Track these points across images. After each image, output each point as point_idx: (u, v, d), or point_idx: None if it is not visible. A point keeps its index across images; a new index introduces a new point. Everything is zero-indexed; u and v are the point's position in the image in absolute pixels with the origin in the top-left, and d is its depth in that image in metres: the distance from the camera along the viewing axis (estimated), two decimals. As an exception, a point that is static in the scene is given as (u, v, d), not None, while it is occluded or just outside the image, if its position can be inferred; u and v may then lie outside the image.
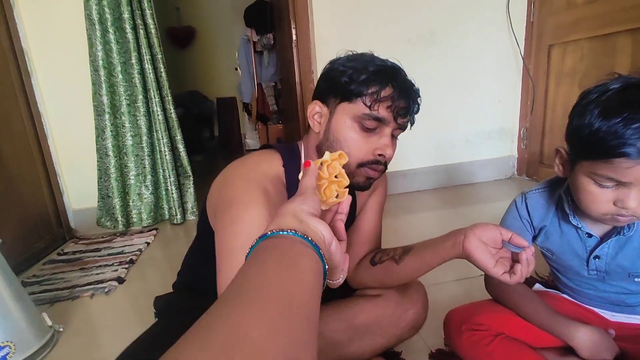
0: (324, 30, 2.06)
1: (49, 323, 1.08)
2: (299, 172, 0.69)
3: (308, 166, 0.44)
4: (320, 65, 2.10)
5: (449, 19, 2.13)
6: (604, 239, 0.70)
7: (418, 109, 0.68)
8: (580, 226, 0.70)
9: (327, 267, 0.36)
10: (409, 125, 0.70)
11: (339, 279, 0.43)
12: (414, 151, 2.27)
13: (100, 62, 1.79)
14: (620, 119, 0.54)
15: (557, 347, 0.77)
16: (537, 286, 0.90)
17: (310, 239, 0.35)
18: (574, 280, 0.79)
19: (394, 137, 0.67)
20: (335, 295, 0.84)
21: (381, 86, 0.62)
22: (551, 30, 2.05)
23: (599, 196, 0.61)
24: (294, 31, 2.20)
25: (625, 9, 1.65)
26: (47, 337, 1.05)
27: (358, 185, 0.67)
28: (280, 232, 0.35)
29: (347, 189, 0.47)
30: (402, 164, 2.26)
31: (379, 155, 0.64)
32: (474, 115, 2.29)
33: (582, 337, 0.71)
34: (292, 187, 0.67)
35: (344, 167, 0.50)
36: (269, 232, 0.36)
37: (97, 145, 1.88)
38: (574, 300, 0.81)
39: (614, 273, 0.71)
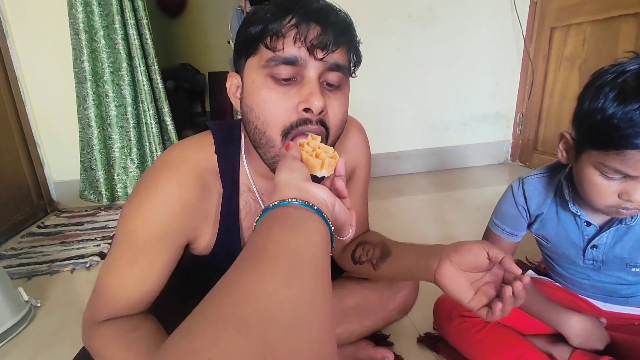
0: (321, 2, 1.96)
1: (25, 298, 1.04)
2: (237, 159, 0.59)
3: (288, 148, 0.44)
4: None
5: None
6: (603, 228, 0.67)
7: (350, 37, 0.50)
8: (579, 214, 0.68)
9: (332, 228, 0.36)
10: (352, 66, 0.53)
11: (348, 234, 0.45)
12: (408, 133, 2.22)
13: (81, 25, 1.68)
14: (638, 105, 0.49)
15: (547, 335, 0.76)
16: (530, 273, 0.89)
17: (312, 204, 0.35)
18: (568, 269, 0.77)
19: (330, 85, 0.50)
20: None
21: (280, 15, 0.46)
22: (554, 12, 1.98)
23: (604, 188, 0.57)
24: (289, 2, 2.09)
25: (632, -9, 1.59)
26: (23, 312, 1.01)
27: None
28: (283, 203, 0.35)
29: (335, 153, 0.46)
30: (395, 145, 2.22)
31: (305, 110, 0.47)
32: (470, 97, 2.24)
33: (574, 326, 0.70)
34: (226, 177, 0.58)
35: (265, 143, 0.51)
36: (272, 205, 0.36)
37: (78, 114, 1.79)
38: (567, 289, 0.80)
39: (611, 263, 0.69)
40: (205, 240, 0.59)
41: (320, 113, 0.48)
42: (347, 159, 0.73)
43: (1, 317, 0.95)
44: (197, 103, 5.20)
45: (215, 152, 0.57)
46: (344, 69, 0.50)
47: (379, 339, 0.84)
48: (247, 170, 0.59)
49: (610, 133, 0.52)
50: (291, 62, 0.47)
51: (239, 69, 0.53)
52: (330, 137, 0.52)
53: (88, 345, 0.56)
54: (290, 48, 0.46)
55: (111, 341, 0.52)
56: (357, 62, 0.54)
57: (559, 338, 0.74)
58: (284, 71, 0.47)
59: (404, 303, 0.77)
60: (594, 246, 0.69)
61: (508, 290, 0.48)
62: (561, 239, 0.73)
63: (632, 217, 0.64)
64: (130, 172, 1.93)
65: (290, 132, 0.49)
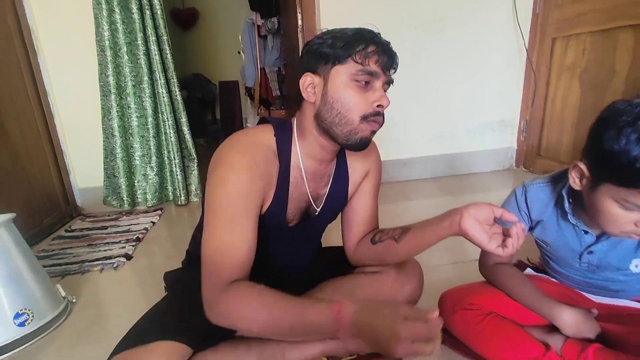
0: (330, 17, 2.07)
1: (63, 294, 1.14)
2: (290, 142, 0.76)
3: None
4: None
5: (456, 8, 2.13)
6: (600, 238, 0.74)
7: (397, 65, 0.73)
8: (578, 225, 0.74)
9: None
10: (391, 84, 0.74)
11: None
12: (416, 140, 2.30)
13: (107, 43, 1.81)
14: None
15: (542, 325, 0.83)
16: (528, 270, 0.96)
17: None
18: (564, 268, 0.84)
19: (385, 92, 0.72)
20: (336, 273, 0.89)
21: (366, 44, 0.67)
22: (555, 23, 2.06)
23: (622, 218, 0.62)
24: (299, 17, 2.20)
25: (629, 4, 1.66)
26: (62, 307, 1.10)
27: (364, 141, 0.70)
28: None
29: None
30: (402, 152, 2.29)
31: (378, 106, 0.68)
32: (476, 105, 2.31)
33: (566, 319, 0.76)
34: (282, 154, 0.73)
35: (345, 123, 0.66)
36: None
37: (103, 125, 1.91)
38: (562, 284, 0.86)
39: (604, 267, 0.75)
40: (267, 202, 0.73)
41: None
42: (362, 163, 0.83)
43: (42, 311, 1.04)
44: (207, 111, 5.34)
45: (275, 136, 0.73)
46: (391, 84, 0.72)
47: (388, 331, 0.92)
48: (298, 151, 0.75)
49: (636, 174, 0.56)
50: (371, 74, 0.67)
51: (314, 71, 0.70)
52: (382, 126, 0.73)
53: (219, 313, 0.64)
54: (373, 65, 0.67)
55: (251, 297, 0.63)
56: (393, 80, 0.75)
57: (553, 328, 0.80)
58: (365, 79, 0.67)
59: (411, 295, 0.85)
60: (590, 252, 0.75)
61: (513, 229, 0.64)
62: (560, 244, 0.80)
63: None
64: (150, 179, 2.04)
65: (367, 118, 0.68)
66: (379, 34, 0.70)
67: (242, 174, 0.65)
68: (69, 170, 1.97)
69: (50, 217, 1.81)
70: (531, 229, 0.84)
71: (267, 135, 0.73)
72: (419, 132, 2.30)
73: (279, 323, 0.62)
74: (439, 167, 2.37)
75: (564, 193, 0.75)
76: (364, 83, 0.67)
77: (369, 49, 0.67)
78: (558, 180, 0.79)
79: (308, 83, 0.71)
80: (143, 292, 1.24)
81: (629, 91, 1.71)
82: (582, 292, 0.83)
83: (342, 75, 0.67)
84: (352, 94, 0.67)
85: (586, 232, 0.74)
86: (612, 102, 0.62)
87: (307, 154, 0.76)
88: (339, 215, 0.90)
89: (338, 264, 0.91)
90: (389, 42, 0.71)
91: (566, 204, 0.74)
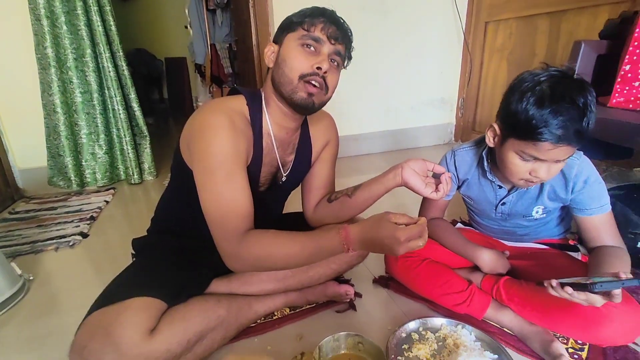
0: (281, -7, 2.08)
1: (19, 272, 1.12)
2: (261, 111, 0.84)
3: None
4: (277, 27, 2.13)
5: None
6: (510, 190, 0.90)
7: (349, 41, 0.80)
8: (494, 180, 0.90)
9: None
10: (345, 60, 0.81)
11: None
12: (365, 116, 2.44)
13: (42, 11, 1.68)
14: (549, 110, 0.68)
15: (467, 267, 1.00)
16: (458, 225, 1.13)
17: None
18: (484, 219, 1.01)
19: (333, 62, 0.77)
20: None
21: (315, 16, 0.76)
22: (488, 8, 2.26)
23: (520, 167, 0.77)
24: (250, -9, 2.19)
25: (547, -7, 1.88)
26: (19, 285, 1.09)
27: (301, 102, 0.75)
28: None
29: None
30: (353, 128, 2.42)
31: (317, 68, 0.74)
32: (419, 84, 2.49)
33: (484, 257, 0.93)
34: (255, 124, 0.80)
35: (287, 82, 0.75)
36: None
37: (43, 101, 1.80)
38: (482, 233, 1.04)
39: (514, 215, 0.93)
40: (246, 164, 0.79)
41: (324, 74, 0.75)
42: (323, 134, 0.93)
43: (-1, 289, 1.03)
44: (153, 89, 5.08)
45: (247, 105, 0.80)
46: (341, 57, 0.79)
47: (342, 281, 1.05)
48: (267, 119, 0.82)
49: (530, 129, 0.70)
50: (316, 39, 0.75)
51: (277, 41, 0.79)
52: (328, 94, 0.78)
53: (245, 261, 0.73)
54: (317, 32, 0.75)
55: (269, 239, 0.74)
56: (349, 59, 0.82)
57: (476, 269, 0.98)
58: (310, 43, 0.75)
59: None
60: (503, 203, 0.92)
61: (443, 177, 0.79)
62: (481, 198, 0.96)
63: None
64: (99, 157, 1.97)
65: (304, 77, 0.74)
66: (334, 11, 0.79)
67: (229, 132, 0.72)
68: (7, 149, 1.85)
69: (-11, 200, 1.71)
70: (459, 187, 1.00)
71: (240, 103, 0.80)
72: (367, 109, 2.43)
73: (298, 254, 0.73)
74: (388, 141, 2.54)
75: (484, 154, 0.90)
76: (311, 48, 0.75)
77: (317, 19, 0.76)
78: (480, 144, 0.94)
79: (270, 51, 0.80)
80: (102, 268, 1.25)
81: (546, 72, 1.96)
82: (497, 239, 1.01)
83: (292, 40, 0.76)
84: (296, 55, 0.75)
85: (500, 187, 0.91)
86: (521, 73, 0.77)
87: (274, 121, 0.83)
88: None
89: (298, 227, 1.01)
90: (342, 18, 0.80)
91: (485, 164, 0.90)
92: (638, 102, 1.04)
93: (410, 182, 0.80)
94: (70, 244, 1.38)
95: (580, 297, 0.66)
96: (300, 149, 0.90)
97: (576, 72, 0.74)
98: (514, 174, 0.79)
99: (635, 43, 1.02)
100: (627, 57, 1.03)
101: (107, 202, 1.79)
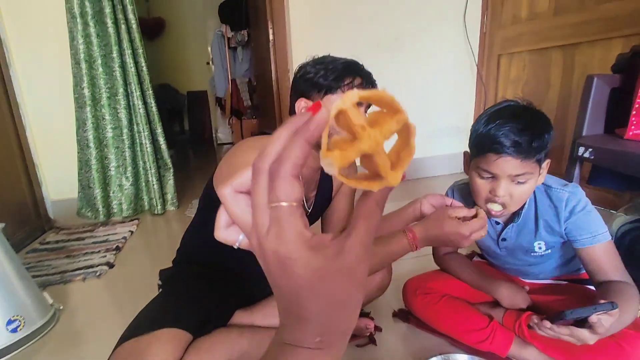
0: (300, 32, 2.21)
1: (50, 301, 1.17)
2: None
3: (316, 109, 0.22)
4: (295, 63, 2.24)
5: (413, 28, 2.35)
6: (506, 224, 0.91)
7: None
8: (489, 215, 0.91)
9: None
10: None
11: None
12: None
13: (82, 55, 1.84)
14: (494, 125, 0.76)
15: (488, 302, 0.99)
16: (475, 258, 1.13)
17: None
18: (493, 257, 1.01)
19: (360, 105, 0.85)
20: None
21: (353, 77, 0.79)
22: (500, 41, 2.32)
23: (481, 186, 0.81)
24: (270, 31, 2.33)
25: (558, 27, 1.93)
26: (50, 314, 1.14)
27: None
28: None
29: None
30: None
31: None
32: (434, 115, 2.53)
33: (502, 292, 0.92)
34: None
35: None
36: None
37: (77, 137, 1.92)
38: (499, 270, 1.04)
39: (517, 250, 0.93)
40: None
41: None
42: None
43: (32, 318, 1.08)
44: (175, 122, 5.31)
45: None
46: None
47: (361, 314, 1.05)
48: None
49: (480, 143, 0.78)
50: (357, 103, 0.77)
51: (308, 97, 0.82)
52: None
53: None
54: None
55: None
56: None
57: (496, 304, 0.97)
58: None
59: (381, 282, 0.99)
60: (504, 239, 0.92)
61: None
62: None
63: (518, 216, 0.87)
64: (125, 189, 2.06)
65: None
66: (362, 65, 0.84)
67: None
68: (41, 182, 1.96)
69: (22, 231, 1.80)
70: None
71: None
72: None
73: (370, 264, 0.76)
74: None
75: None
76: None
77: (356, 82, 0.79)
78: None
79: (302, 106, 0.83)
80: (130, 298, 1.29)
81: (562, 100, 1.97)
82: (513, 276, 1.00)
83: (332, 102, 0.81)
84: None
85: (497, 223, 0.91)
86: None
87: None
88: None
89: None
90: (371, 74, 0.84)
91: None
92: (655, 135, 1.05)
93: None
94: (97, 274, 1.43)
95: (563, 332, 0.66)
96: (322, 185, 0.94)
97: (589, 106, 0.78)
98: (478, 194, 0.82)
99: (648, 78, 1.04)
100: (640, 91, 1.05)
101: (131, 232, 1.85)
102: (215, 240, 0.84)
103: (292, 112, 0.87)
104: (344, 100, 0.21)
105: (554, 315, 0.66)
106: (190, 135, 5.16)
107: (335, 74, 0.80)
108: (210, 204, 0.86)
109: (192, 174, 3.21)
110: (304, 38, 2.22)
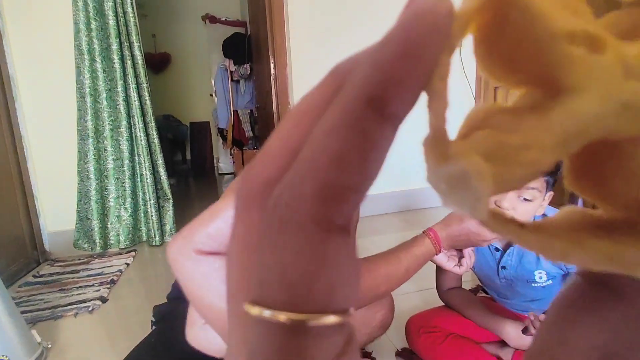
0: (301, 66, 2.27)
1: (38, 340, 1.12)
2: None
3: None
4: (296, 97, 2.29)
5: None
6: (506, 249, 0.89)
7: None
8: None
9: None
10: None
11: None
12: (381, 177, 2.46)
13: (87, 90, 1.88)
14: None
15: (496, 341, 0.95)
16: (480, 293, 1.09)
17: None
18: (493, 289, 0.98)
19: None
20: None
21: None
22: (496, 75, 2.38)
23: None
24: (272, 65, 2.40)
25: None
26: (37, 354, 1.09)
27: None
28: None
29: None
30: (370, 188, 2.45)
31: None
32: (433, 146, 2.55)
33: (509, 332, 0.89)
34: None
35: None
36: None
37: (78, 168, 1.93)
38: (504, 305, 1.00)
39: (517, 280, 0.90)
40: None
41: None
42: None
43: (19, 357, 1.03)
44: (177, 151, 5.36)
45: None
46: None
47: (363, 355, 1.00)
48: None
49: None
50: None
51: None
52: None
53: None
54: None
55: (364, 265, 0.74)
56: None
57: (505, 343, 0.92)
58: None
59: (383, 321, 0.94)
60: (504, 267, 0.90)
61: (466, 251, 0.79)
62: (482, 264, 0.95)
63: None
64: (124, 220, 2.04)
65: None
66: None
67: None
68: (39, 213, 1.95)
69: (16, 264, 1.76)
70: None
71: None
72: (384, 170, 2.46)
73: (397, 270, 0.74)
74: (403, 202, 2.55)
75: None
76: None
77: None
78: None
79: None
80: (123, 334, 1.24)
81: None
82: (519, 314, 0.97)
83: None
84: None
85: (497, 250, 0.89)
86: None
87: None
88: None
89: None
90: None
91: None
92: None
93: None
94: (90, 309, 1.38)
95: None
96: None
97: None
98: None
99: None
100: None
101: (127, 264, 1.81)
102: None
103: None
104: None
105: None
106: (192, 165, 5.20)
107: None
108: None
109: (193, 204, 3.20)
110: (305, 72, 2.28)
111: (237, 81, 3.87)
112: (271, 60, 2.39)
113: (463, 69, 2.49)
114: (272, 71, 2.40)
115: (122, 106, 1.96)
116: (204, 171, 4.97)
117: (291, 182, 0.09)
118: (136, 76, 1.98)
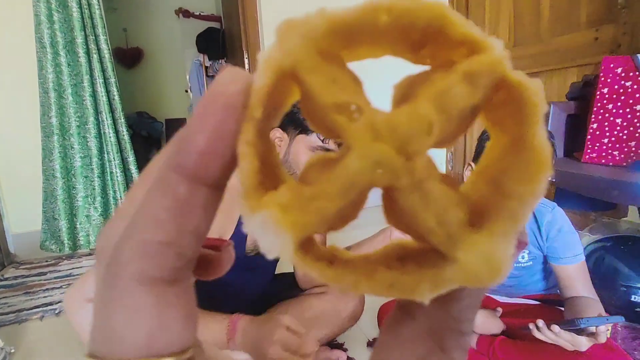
0: (275, 62, 2.26)
1: (0, 345, 1.08)
2: None
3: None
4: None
5: (395, 67, 2.44)
6: None
7: None
8: None
9: None
10: None
11: None
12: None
13: (50, 85, 1.80)
14: None
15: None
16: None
17: None
18: None
19: None
20: (287, 296, 0.98)
21: None
22: (467, 71, 2.44)
23: None
24: (246, 61, 2.37)
25: (518, 57, 2.05)
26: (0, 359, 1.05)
27: None
28: None
29: None
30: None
31: None
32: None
33: (476, 318, 0.92)
34: None
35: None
36: None
37: (43, 166, 1.85)
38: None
39: None
40: (226, 236, 0.79)
41: None
42: None
43: (-22, 365, 0.99)
44: (152, 149, 5.23)
45: None
46: None
47: (334, 346, 1.01)
48: None
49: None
50: (328, 150, 0.81)
51: (283, 128, 0.83)
52: None
53: None
54: (332, 144, 0.81)
55: None
56: None
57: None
58: (322, 152, 0.81)
59: (354, 312, 0.96)
60: None
61: None
62: None
63: None
64: (94, 220, 1.98)
65: None
66: None
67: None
68: (2, 214, 1.86)
69: (-22, 267, 1.68)
70: None
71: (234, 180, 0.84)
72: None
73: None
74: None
75: None
76: None
77: None
78: None
79: (277, 136, 0.84)
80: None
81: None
82: (487, 294, 1.00)
83: (304, 144, 0.82)
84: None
85: None
86: None
87: None
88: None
89: (289, 288, 1.01)
90: None
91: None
92: (609, 157, 1.10)
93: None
94: (57, 311, 1.34)
95: (566, 337, 0.68)
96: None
97: (548, 130, 0.82)
98: None
99: (599, 104, 1.10)
100: (593, 117, 1.11)
101: (98, 265, 1.76)
102: None
103: None
104: (283, 39, 0.09)
105: (565, 322, 0.70)
106: (167, 163, 5.09)
107: None
108: None
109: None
110: (279, 67, 2.27)
111: (213, 77, 3.80)
112: (245, 56, 2.37)
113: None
114: (247, 67, 2.38)
115: (89, 102, 1.89)
116: (180, 169, 4.88)
117: (118, 241, 0.10)
118: (103, 71, 1.91)
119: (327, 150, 0.81)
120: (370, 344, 1.06)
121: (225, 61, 3.55)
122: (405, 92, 0.10)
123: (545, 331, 0.71)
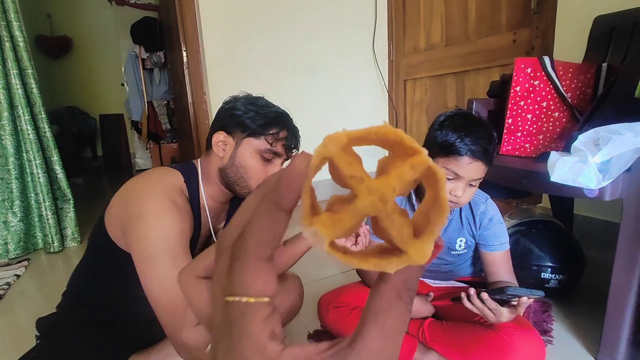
0: (215, 54, 2.18)
1: None
2: (198, 187, 0.83)
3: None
4: (212, 88, 2.21)
5: (326, 54, 2.47)
6: None
7: (299, 145, 0.90)
8: None
9: None
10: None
11: None
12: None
13: (-48, 76, 1.59)
14: (462, 134, 0.81)
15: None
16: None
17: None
18: None
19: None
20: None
21: (280, 129, 0.81)
22: (405, 68, 2.55)
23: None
24: (184, 53, 2.26)
25: (450, 57, 2.18)
26: None
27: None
28: None
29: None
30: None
31: None
32: (352, 135, 2.66)
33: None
34: (194, 201, 0.81)
35: (244, 186, 0.82)
36: None
37: (-54, 168, 1.63)
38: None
39: None
40: None
41: None
42: None
43: None
44: (85, 147, 4.84)
45: (185, 182, 0.81)
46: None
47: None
48: (204, 195, 0.85)
49: (449, 147, 0.82)
50: (276, 154, 0.82)
51: (229, 132, 0.81)
52: None
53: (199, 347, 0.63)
54: (279, 147, 0.82)
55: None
56: None
57: (403, 313, 1.01)
58: (269, 157, 0.82)
59: (291, 307, 0.97)
60: None
61: (361, 230, 0.86)
62: None
63: (451, 212, 0.96)
64: (12, 226, 1.79)
65: None
66: (292, 120, 0.86)
67: (173, 216, 0.70)
68: None
69: None
70: None
71: (178, 180, 0.80)
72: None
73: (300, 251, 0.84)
74: (327, 190, 2.62)
75: (412, 190, 0.99)
76: (269, 160, 0.81)
77: (281, 134, 0.81)
78: None
79: (220, 140, 0.82)
80: (11, 352, 1.10)
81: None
82: (422, 279, 1.07)
83: (252, 147, 0.81)
84: (256, 165, 0.80)
85: None
86: (440, 114, 0.92)
87: (210, 196, 0.86)
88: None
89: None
90: (298, 130, 0.87)
91: (413, 198, 0.98)
92: (522, 149, 1.22)
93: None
94: (-34, 330, 1.20)
95: (491, 306, 0.74)
96: (231, 215, 0.92)
97: (493, 132, 0.89)
98: None
99: (512, 101, 1.21)
100: (508, 112, 1.22)
101: (18, 276, 1.60)
102: (107, 279, 0.74)
103: (209, 142, 0.84)
104: (325, 144, 0.17)
105: (493, 290, 0.75)
106: (104, 162, 4.73)
107: (265, 120, 0.80)
108: (103, 245, 0.78)
109: (105, 203, 2.91)
110: (219, 61, 2.20)
111: (151, 70, 3.59)
112: (183, 48, 2.26)
113: (377, 63, 2.62)
114: (185, 59, 2.27)
115: (1, 95, 1.69)
116: (119, 168, 4.57)
117: (242, 238, 0.17)
118: (18, 60, 1.73)
119: (275, 153, 0.81)
120: (310, 336, 1.08)
121: (165, 53, 3.36)
122: (382, 167, 0.18)
123: (474, 299, 0.76)
